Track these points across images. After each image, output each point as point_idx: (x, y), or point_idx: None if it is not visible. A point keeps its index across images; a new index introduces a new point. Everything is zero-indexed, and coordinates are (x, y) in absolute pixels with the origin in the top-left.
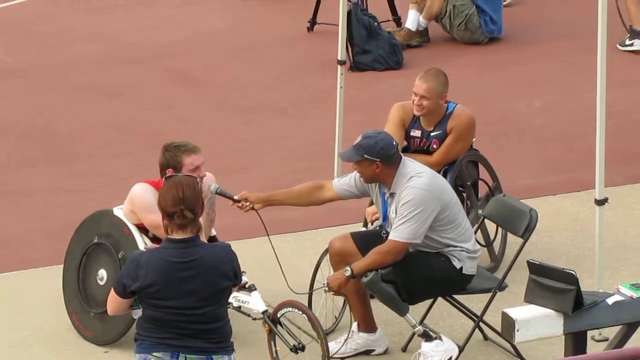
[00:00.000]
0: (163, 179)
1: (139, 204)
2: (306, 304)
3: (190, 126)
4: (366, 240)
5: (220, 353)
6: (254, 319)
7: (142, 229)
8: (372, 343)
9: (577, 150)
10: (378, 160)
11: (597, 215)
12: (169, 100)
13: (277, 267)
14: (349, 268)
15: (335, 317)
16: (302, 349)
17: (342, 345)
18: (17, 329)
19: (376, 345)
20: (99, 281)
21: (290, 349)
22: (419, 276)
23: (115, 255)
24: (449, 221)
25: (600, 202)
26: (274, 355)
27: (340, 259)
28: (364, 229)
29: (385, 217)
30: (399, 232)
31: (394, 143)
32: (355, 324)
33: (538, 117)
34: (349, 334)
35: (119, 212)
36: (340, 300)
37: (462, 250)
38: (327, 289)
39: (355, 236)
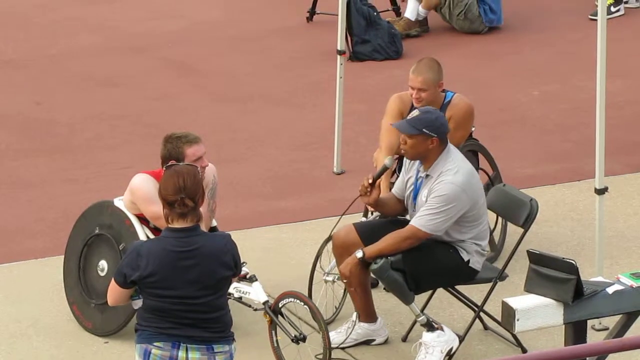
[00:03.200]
0: (164, 169)
1: (139, 194)
2: (306, 294)
3: (189, 116)
4: (369, 231)
5: (221, 342)
6: (255, 309)
7: (143, 219)
8: (373, 333)
9: (577, 139)
10: (435, 137)
11: (597, 204)
12: (168, 91)
13: (278, 258)
14: (361, 251)
15: (336, 307)
16: (303, 339)
17: (347, 336)
18: (17, 319)
19: (376, 335)
20: (99, 272)
21: (292, 340)
22: (428, 266)
23: (116, 246)
24: (473, 219)
25: (600, 192)
26: (275, 346)
27: (344, 251)
28: (364, 219)
29: (415, 197)
30: (423, 221)
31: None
32: (355, 314)
33: (537, 107)
34: (354, 324)
35: (119, 203)
36: (340, 290)
37: (473, 245)
38: (335, 281)
39: (358, 227)
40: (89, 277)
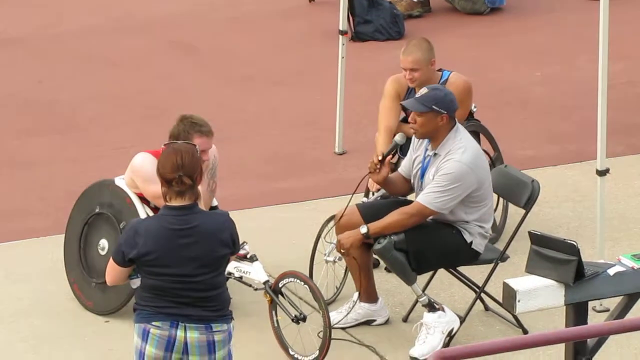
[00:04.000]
0: (163, 146)
1: (140, 174)
2: (307, 274)
3: (190, 96)
4: (372, 211)
5: (219, 321)
6: (256, 289)
7: (144, 199)
8: (373, 313)
9: (579, 121)
10: (445, 113)
11: (598, 185)
12: (170, 71)
13: (279, 238)
14: (365, 226)
15: (337, 287)
16: (304, 319)
17: (346, 315)
18: (17, 298)
19: (377, 316)
20: (100, 251)
21: (292, 319)
22: (430, 247)
23: (116, 225)
24: (479, 199)
25: (602, 173)
26: (275, 325)
27: (346, 230)
28: (365, 199)
29: (423, 175)
30: (430, 198)
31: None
32: (356, 294)
33: (539, 88)
34: (354, 304)
35: (120, 182)
36: (341, 270)
37: (476, 227)
38: (330, 259)
39: (361, 207)
40: (89, 256)
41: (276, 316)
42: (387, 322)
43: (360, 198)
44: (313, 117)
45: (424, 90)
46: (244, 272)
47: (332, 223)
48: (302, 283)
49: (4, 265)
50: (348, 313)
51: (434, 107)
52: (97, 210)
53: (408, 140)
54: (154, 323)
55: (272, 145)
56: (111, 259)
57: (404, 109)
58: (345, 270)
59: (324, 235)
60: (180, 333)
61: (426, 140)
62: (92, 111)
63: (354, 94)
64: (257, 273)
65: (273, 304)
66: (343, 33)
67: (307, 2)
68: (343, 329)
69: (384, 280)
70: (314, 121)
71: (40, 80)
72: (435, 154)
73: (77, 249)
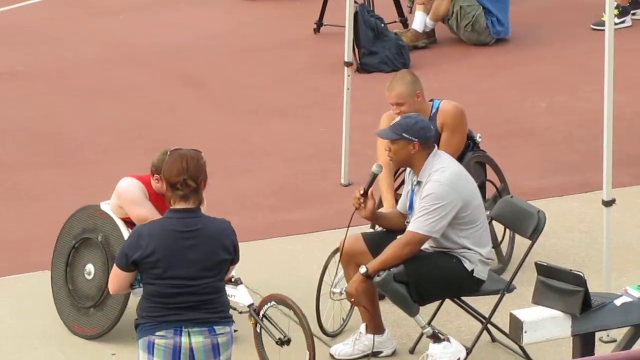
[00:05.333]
0: (168, 152)
1: (126, 196)
2: (314, 306)
3: (196, 128)
4: (377, 240)
5: (222, 324)
6: (240, 312)
7: (130, 223)
8: (380, 345)
9: (584, 151)
10: (416, 141)
11: (604, 216)
12: (175, 103)
13: (285, 270)
14: (364, 267)
15: (343, 319)
16: (288, 342)
17: (352, 347)
18: (23, 332)
19: (384, 347)
20: (86, 276)
21: (276, 342)
22: (430, 277)
23: (103, 249)
24: (469, 221)
25: (608, 203)
26: (260, 348)
27: (350, 259)
28: (372, 230)
29: (411, 206)
30: (418, 224)
31: (432, 126)
32: (363, 325)
33: (545, 118)
34: (361, 336)
35: (105, 206)
36: (347, 302)
37: (476, 254)
38: (342, 293)
39: (366, 236)
40: (77, 285)
41: (261, 338)
42: (393, 353)
43: (367, 229)
44: (318, 148)
45: (397, 119)
46: (229, 296)
47: (338, 255)
48: (287, 307)
49: (9, 298)
50: (354, 344)
51: (404, 134)
52: (83, 236)
53: None
54: (157, 333)
55: (277, 176)
56: (114, 266)
57: None
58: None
59: (330, 266)
60: (185, 339)
61: (412, 172)
62: (97, 144)
63: (359, 125)
64: (241, 296)
65: (258, 327)
66: (348, 64)
67: (313, 33)
68: None
69: (390, 311)
70: (320, 152)
71: (45, 115)
72: (418, 182)
73: (65, 283)
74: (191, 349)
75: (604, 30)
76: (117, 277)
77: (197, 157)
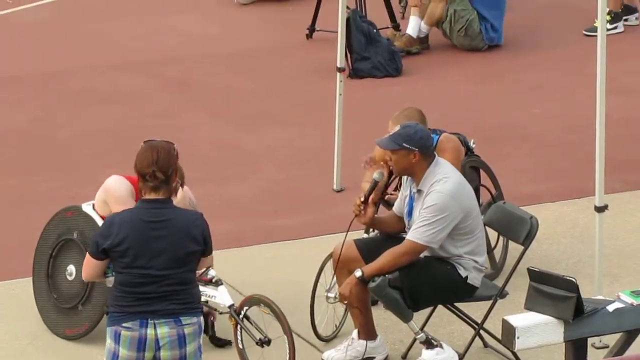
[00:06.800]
0: (142, 143)
1: (112, 193)
2: (308, 310)
3: (188, 134)
4: (369, 247)
5: (188, 314)
6: (221, 313)
7: None
8: (372, 350)
9: (577, 157)
10: (417, 150)
11: (597, 222)
12: (167, 108)
13: (278, 276)
14: (360, 270)
15: (336, 325)
16: (268, 342)
17: (344, 352)
18: (15, 337)
19: (376, 353)
20: (68, 277)
21: (256, 343)
22: (425, 283)
23: (80, 245)
24: (468, 231)
25: (600, 209)
26: (240, 347)
27: (343, 266)
28: (365, 235)
29: (410, 214)
30: (418, 234)
31: (432, 135)
32: (355, 331)
33: (538, 124)
34: (353, 341)
35: (87, 207)
36: (341, 308)
37: (470, 261)
38: (336, 298)
39: (359, 243)
40: (61, 291)
41: (241, 339)
42: (386, 359)
43: (360, 234)
44: (311, 154)
45: (396, 128)
46: (209, 297)
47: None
48: (267, 307)
49: (2, 303)
50: (346, 350)
51: (404, 144)
52: (63, 237)
53: None
54: (124, 325)
55: (270, 182)
56: (87, 254)
57: None
58: (345, 308)
59: (325, 270)
60: (150, 331)
61: (410, 179)
62: (90, 149)
63: (351, 131)
64: (222, 297)
65: (238, 327)
66: (341, 70)
67: (305, 38)
68: None
69: (383, 317)
70: (312, 158)
71: (40, 119)
72: (419, 191)
73: (49, 294)
74: (157, 340)
75: (596, 36)
76: (89, 265)
77: (168, 149)
